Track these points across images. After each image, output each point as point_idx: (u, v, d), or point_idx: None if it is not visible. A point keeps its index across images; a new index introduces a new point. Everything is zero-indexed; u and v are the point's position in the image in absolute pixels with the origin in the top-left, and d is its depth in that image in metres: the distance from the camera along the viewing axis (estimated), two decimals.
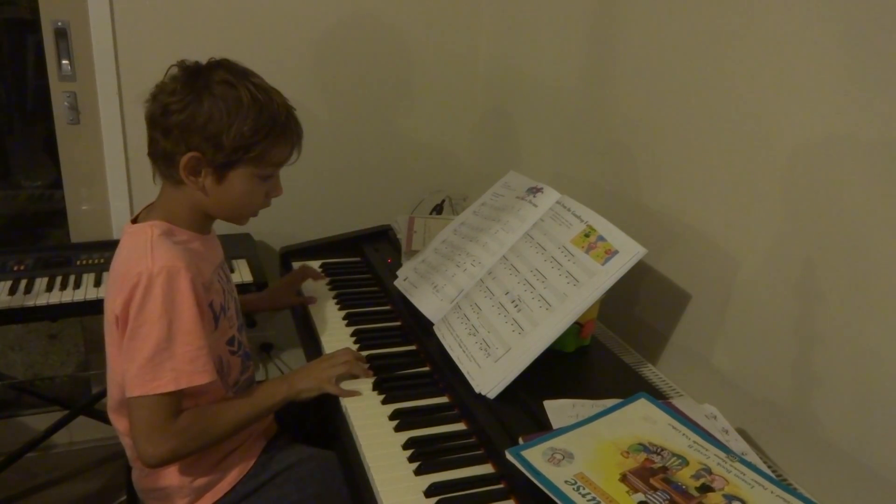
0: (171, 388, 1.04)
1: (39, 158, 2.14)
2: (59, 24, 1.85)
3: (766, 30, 1.15)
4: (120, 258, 1.13)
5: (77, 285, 1.72)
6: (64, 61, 1.88)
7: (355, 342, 1.41)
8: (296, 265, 1.76)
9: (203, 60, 1.12)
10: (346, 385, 1.24)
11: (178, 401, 1.08)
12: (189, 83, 1.08)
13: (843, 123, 1.02)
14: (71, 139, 1.97)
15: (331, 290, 1.65)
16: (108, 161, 1.96)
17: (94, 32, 1.84)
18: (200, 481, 1.19)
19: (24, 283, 1.70)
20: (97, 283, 1.73)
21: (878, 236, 0.98)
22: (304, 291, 1.64)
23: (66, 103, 1.92)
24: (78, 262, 1.82)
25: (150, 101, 1.10)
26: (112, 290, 1.11)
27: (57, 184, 2.03)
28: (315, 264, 1.78)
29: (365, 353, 1.35)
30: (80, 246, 1.93)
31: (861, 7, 0.99)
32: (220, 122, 1.06)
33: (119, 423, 1.19)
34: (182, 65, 1.11)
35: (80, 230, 2.06)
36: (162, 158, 1.11)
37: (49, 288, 1.70)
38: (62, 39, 1.86)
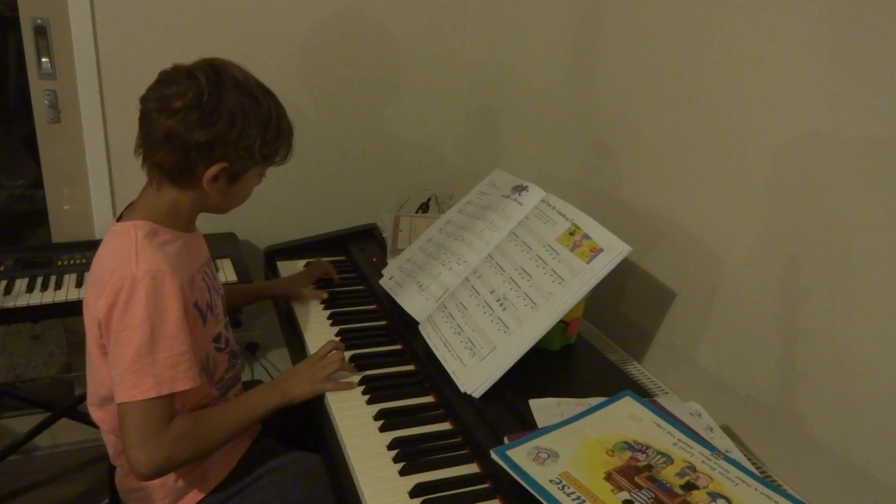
0: (153, 393, 1.02)
1: (20, 157, 2.11)
2: (39, 21, 1.82)
3: (750, 27, 1.15)
4: (103, 259, 1.11)
5: (58, 286, 1.70)
6: (44, 59, 1.85)
7: (340, 341, 1.40)
8: (281, 265, 1.76)
9: (187, 59, 1.11)
10: (336, 378, 1.25)
11: (169, 405, 1.05)
12: (209, 95, 1.06)
13: (827, 121, 1.03)
14: (52, 138, 1.94)
15: (316, 289, 1.63)
16: (90, 160, 1.93)
17: (75, 30, 1.81)
18: (182, 481, 1.17)
19: (3, 283, 1.68)
20: (79, 284, 1.71)
21: (860, 233, 0.99)
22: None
23: (46, 101, 1.89)
24: (59, 263, 1.80)
25: (164, 114, 1.06)
26: (94, 291, 1.09)
27: (38, 183, 2.01)
28: (300, 263, 1.77)
29: (350, 353, 1.34)
30: (62, 246, 1.90)
31: (844, 4, 0.99)
32: (249, 133, 1.10)
33: (100, 418, 1.17)
34: (181, 72, 1.08)
35: (61, 230, 2.04)
36: (177, 170, 1.09)
37: (30, 289, 1.68)
38: (42, 37, 1.83)
